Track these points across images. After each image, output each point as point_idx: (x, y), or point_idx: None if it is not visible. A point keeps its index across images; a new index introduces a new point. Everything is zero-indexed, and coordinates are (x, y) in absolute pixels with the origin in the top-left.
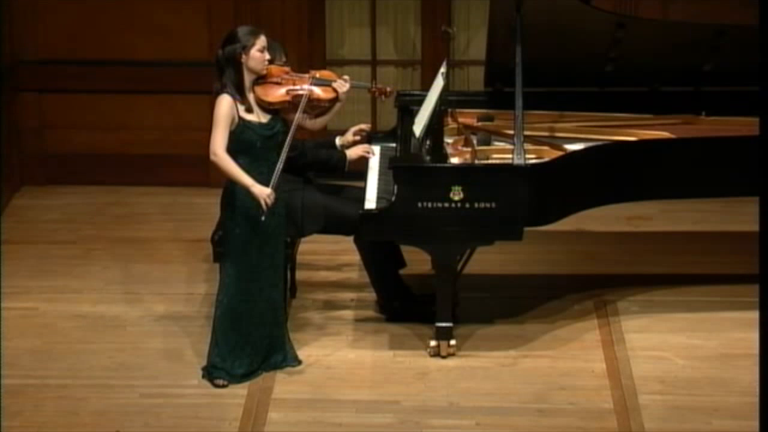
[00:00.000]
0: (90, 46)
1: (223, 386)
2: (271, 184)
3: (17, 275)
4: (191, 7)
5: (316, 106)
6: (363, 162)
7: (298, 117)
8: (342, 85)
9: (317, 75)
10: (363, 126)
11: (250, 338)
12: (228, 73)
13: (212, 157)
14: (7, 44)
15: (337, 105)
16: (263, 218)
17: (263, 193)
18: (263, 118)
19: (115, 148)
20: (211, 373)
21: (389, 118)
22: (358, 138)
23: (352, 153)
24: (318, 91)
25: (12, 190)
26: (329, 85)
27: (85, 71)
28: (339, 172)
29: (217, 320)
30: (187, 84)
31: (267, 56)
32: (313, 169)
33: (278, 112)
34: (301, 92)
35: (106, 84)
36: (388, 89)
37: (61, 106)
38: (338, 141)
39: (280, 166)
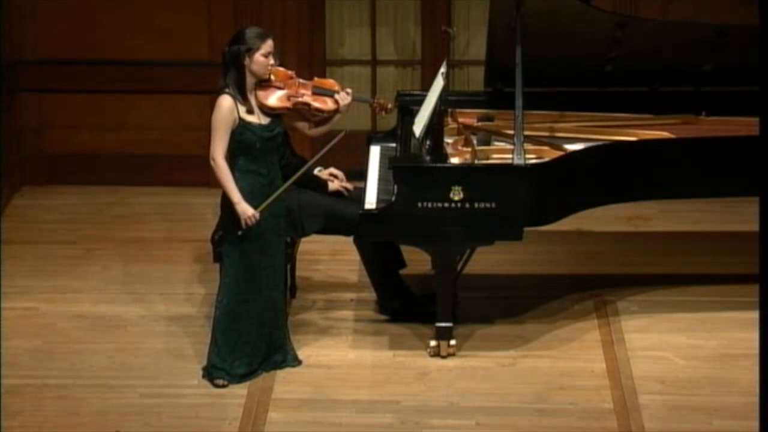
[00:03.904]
0: (90, 46)
1: (223, 386)
2: (260, 206)
3: (17, 275)
4: (191, 7)
5: (315, 115)
6: (363, 162)
7: (315, 130)
8: (344, 98)
9: (320, 84)
10: (341, 179)
11: (250, 338)
12: (231, 73)
13: (211, 162)
14: (7, 44)
15: (337, 116)
16: (240, 232)
17: (246, 213)
18: (263, 119)
19: (115, 148)
20: (211, 373)
21: (389, 118)
22: (333, 179)
23: (332, 185)
24: (319, 101)
25: (12, 190)
26: (331, 96)
27: (85, 71)
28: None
29: (217, 320)
30: (187, 84)
31: (271, 61)
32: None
33: (279, 116)
34: (302, 100)
35: (106, 84)
36: (389, 106)
37: (61, 106)
38: (316, 171)
39: (277, 194)
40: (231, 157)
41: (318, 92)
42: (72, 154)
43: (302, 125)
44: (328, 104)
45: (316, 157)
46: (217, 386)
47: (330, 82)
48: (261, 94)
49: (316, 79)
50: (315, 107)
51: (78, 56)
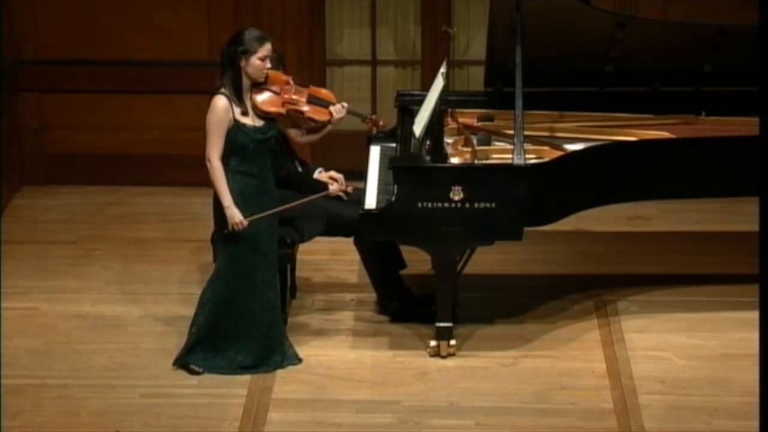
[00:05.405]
0: (90, 46)
1: (198, 373)
2: (252, 217)
3: (17, 275)
4: (191, 7)
5: (308, 124)
6: (363, 162)
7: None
8: (338, 111)
9: (316, 93)
10: (341, 182)
11: (238, 337)
12: (228, 74)
13: (206, 163)
14: (7, 44)
15: (329, 127)
16: (225, 231)
17: (234, 218)
18: (258, 122)
19: (115, 148)
20: (186, 359)
21: (389, 118)
22: (332, 182)
23: (331, 189)
24: (314, 110)
25: (12, 190)
26: (326, 107)
27: (85, 71)
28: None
29: (207, 315)
30: (187, 84)
31: (267, 65)
32: (295, 190)
33: (274, 119)
34: (297, 107)
35: (106, 84)
36: (381, 123)
37: (61, 106)
38: (316, 174)
39: (270, 213)
40: (223, 157)
41: (313, 101)
42: (72, 154)
43: (294, 132)
44: (321, 114)
45: (321, 194)
46: (192, 372)
47: (326, 93)
48: (257, 96)
49: (312, 87)
50: (308, 116)
51: (78, 56)
